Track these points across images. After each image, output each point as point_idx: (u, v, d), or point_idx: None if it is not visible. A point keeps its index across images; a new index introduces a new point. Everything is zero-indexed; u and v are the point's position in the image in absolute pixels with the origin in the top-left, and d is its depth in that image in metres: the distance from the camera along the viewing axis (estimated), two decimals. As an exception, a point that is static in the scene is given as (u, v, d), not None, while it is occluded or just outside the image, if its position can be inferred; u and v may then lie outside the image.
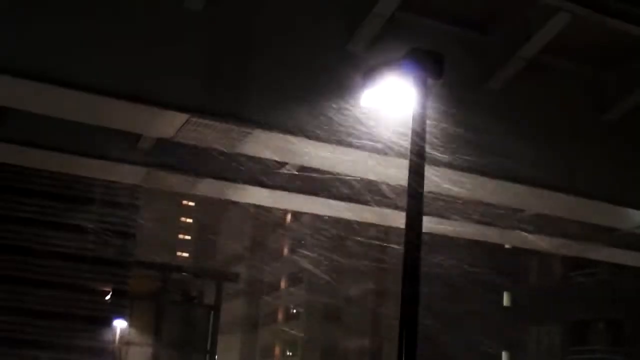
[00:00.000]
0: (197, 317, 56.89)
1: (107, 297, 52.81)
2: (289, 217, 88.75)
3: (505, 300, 59.42)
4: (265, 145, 13.54)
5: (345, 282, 69.60)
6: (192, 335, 56.11)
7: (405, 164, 8.16)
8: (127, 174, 16.91)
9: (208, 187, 16.81)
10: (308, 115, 12.68)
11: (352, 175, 15.32)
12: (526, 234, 19.02)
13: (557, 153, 15.20)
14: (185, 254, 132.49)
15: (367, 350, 68.61)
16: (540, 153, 14.96)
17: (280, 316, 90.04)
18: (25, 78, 11.37)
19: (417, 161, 8.01)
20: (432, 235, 16.80)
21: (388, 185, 15.62)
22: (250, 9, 12.85)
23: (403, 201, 8.31)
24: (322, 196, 16.71)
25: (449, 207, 16.77)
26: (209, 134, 12.80)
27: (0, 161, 19.69)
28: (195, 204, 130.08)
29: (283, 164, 15.86)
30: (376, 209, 17.19)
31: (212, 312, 57.08)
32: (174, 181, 16.40)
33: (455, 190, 15.45)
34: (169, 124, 12.70)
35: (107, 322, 52.20)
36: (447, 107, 12.51)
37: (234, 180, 16.21)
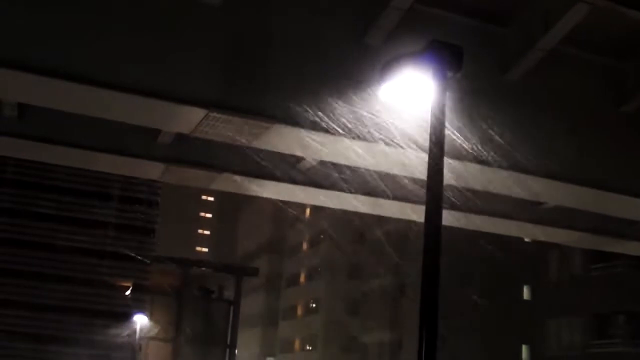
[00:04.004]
0: (217, 312, 56.90)
1: (127, 292, 53.01)
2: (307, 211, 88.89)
3: (525, 293, 59.22)
4: (284, 139, 13.52)
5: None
6: (212, 330, 56.17)
7: (424, 157, 8.12)
8: (146, 170, 16.96)
9: (227, 182, 16.83)
10: (326, 109, 12.66)
11: (372, 169, 15.29)
12: (546, 227, 18.96)
13: (577, 145, 15.10)
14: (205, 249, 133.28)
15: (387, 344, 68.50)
16: (559, 145, 14.89)
17: (300, 310, 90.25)
18: (43, 75, 11.39)
19: (436, 154, 7.96)
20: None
21: (408, 178, 15.59)
22: (267, 2, 12.85)
23: (423, 195, 8.27)
24: (341, 190, 16.70)
25: (468, 200, 16.73)
26: (228, 128, 12.81)
27: (20, 157, 19.85)
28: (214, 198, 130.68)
29: (302, 158, 15.86)
30: (396, 202, 17.17)
31: (232, 306, 57.08)
32: (192, 176, 16.43)
33: (474, 183, 15.41)
34: (188, 119, 12.72)
35: (127, 317, 52.43)
36: (465, 100, 12.46)
37: (253, 174, 16.23)
